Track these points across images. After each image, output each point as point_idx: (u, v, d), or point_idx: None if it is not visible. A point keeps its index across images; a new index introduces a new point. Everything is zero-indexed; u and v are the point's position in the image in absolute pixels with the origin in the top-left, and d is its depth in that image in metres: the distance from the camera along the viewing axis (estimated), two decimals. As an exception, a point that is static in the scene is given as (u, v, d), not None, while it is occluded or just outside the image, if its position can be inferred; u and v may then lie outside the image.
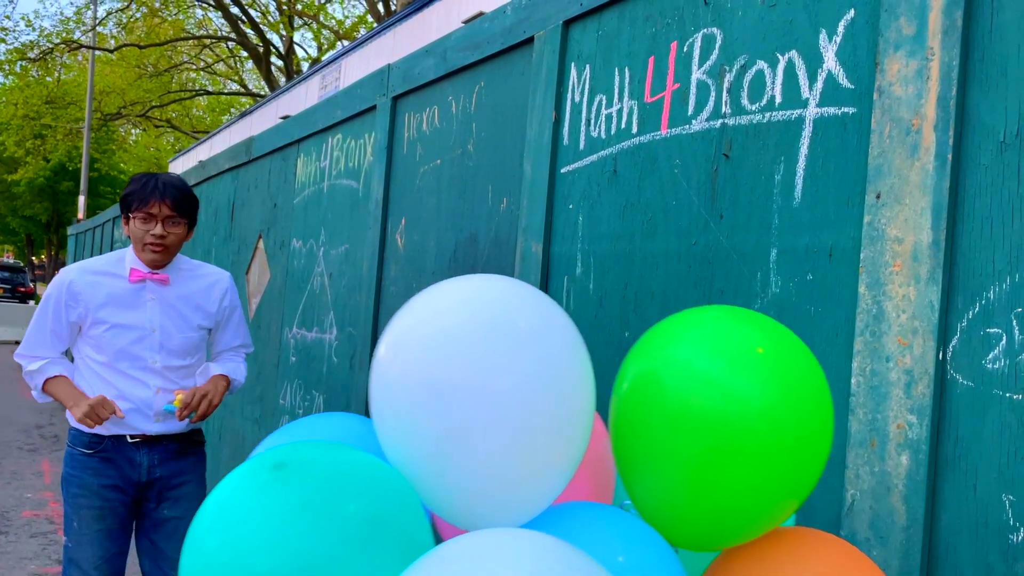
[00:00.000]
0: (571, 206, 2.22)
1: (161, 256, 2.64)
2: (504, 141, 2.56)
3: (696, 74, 1.84)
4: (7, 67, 23.94)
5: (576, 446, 1.21)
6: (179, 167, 21.05)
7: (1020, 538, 1.21)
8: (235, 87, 30.09)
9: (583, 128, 2.20)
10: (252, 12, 22.90)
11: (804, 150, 1.58)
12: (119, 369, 2.62)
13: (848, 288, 1.48)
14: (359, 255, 3.48)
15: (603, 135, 2.12)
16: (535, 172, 2.34)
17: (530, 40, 2.43)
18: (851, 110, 1.50)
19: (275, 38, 24.24)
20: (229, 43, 26.20)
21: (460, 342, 1.14)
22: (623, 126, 2.05)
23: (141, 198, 2.58)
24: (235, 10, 22.11)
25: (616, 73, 2.09)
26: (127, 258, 2.68)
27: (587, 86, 2.20)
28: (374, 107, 3.42)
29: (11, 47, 22.62)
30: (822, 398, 1.19)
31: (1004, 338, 1.25)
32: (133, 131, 33.48)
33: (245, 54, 25.87)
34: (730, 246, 1.73)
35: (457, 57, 2.82)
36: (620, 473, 1.25)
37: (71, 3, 27.19)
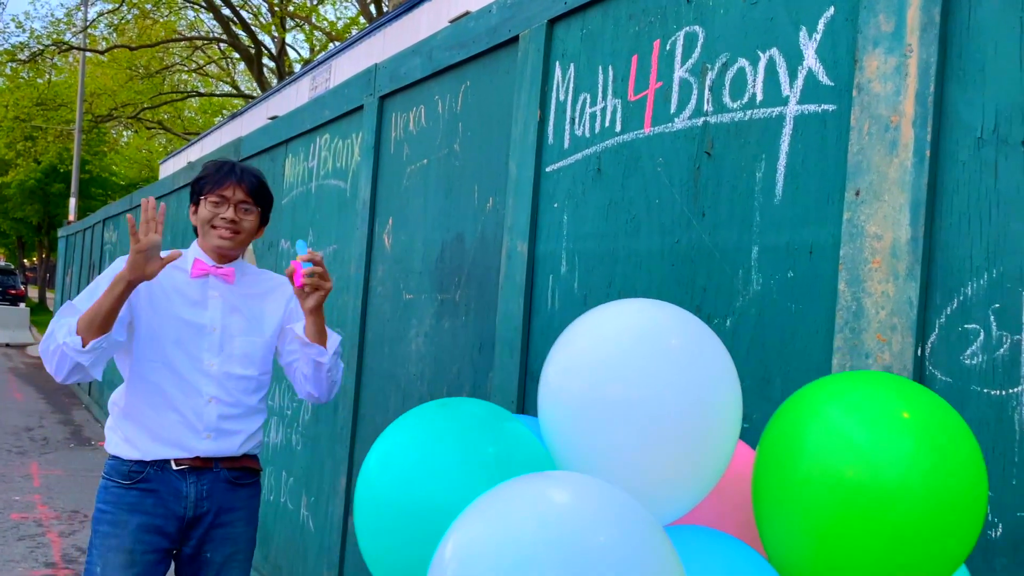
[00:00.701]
0: (556, 205, 2.21)
1: (230, 242, 2.36)
2: (490, 140, 2.55)
3: (679, 72, 1.85)
4: (-2, 69, 23.86)
5: (717, 461, 1.24)
6: (169, 168, 20.98)
7: (999, 533, 1.21)
8: (227, 89, 30.03)
9: (567, 127, 2.19)
10: (243, 13, 22.87)
11: (785, 147, 1.59)
12: (172, 367, 2.29)
13: (829, 285, 1.48)
14: (347, 256, 3.47)
15: (587, 134, 2.12)
16: (520, 171, 2.34)
17: (515, 39, 2.43)
18: (831, 107, 1.51)
19: (267, 40, 24.20)
20: (221, 45, 26.15)
21: (619, 362, 1.24)
22: (607, 124, 2.05)
23: (216, 180, 2.36)
24: (226, 12, 22.07)
25: (600, 71, 2.09)
26: (190, 252, 2.42)
27: (571, 85, 2.19)
28: (361, 107, 3.41)
29: (1, 48, 22.53)
30: (974, 471, 1.08)
31: (982, 334, 1.25)
32: (124, 133, 33.38)
33: (237, 55, 25.82)
34: (712, 244, 1.73)
35: (443, 56, 2.81)
36: (759, 530, 1.22)
37: (61, 5, 27.03)
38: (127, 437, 2.31)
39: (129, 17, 23.80)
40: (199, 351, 2.33)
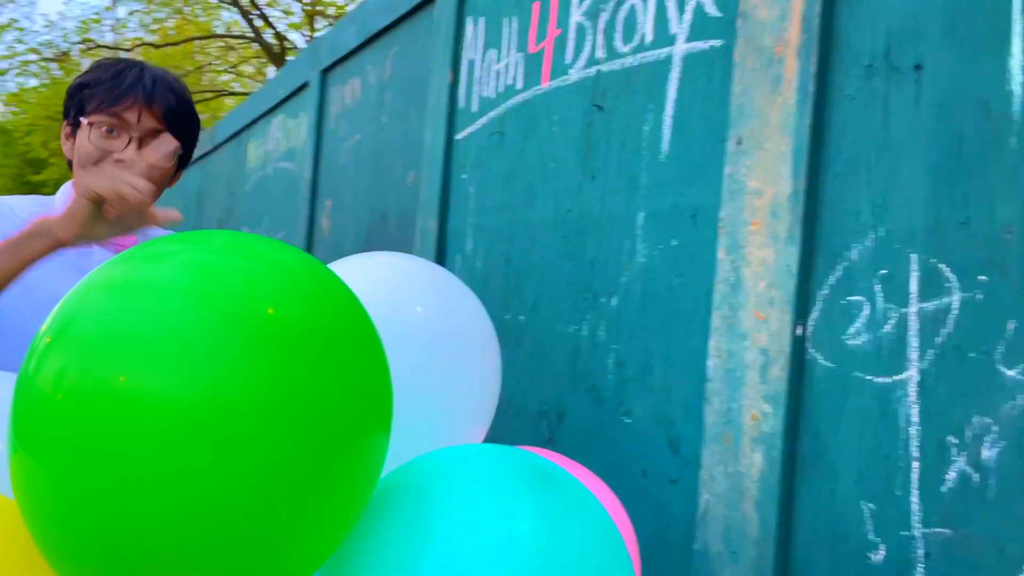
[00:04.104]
0: (464, 176, 1.99)
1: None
2: (411, 110, 2.34)
3: (575, 16, 1.61)
4: (32, 68, 24.17)
5: None
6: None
7: (880, 557, 0.97)
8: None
9: (476, 88, 1.97)
10: (269, 11, 22.89)
11: (672, 95, 1.35)
12: None
13: (711, 254, 1.24)
14: (294, 240, 3.28)
15: (492, 94, 1.89)
16: (433, 140, 2.12)
17: (434, -3, 2.21)
18: (718, 43, 1.26)
19: (298, 39, 24.22)
20: (255, 45, 26.22)
21: None
22: (510, 82, 1.82)
23: (110, 92, 1.38)
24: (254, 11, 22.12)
25: (504, 24, 1.86)
26: (57, 202, 1.45)
27: (481, 41, 1.97)
28: (307, 84, 3.22)
29: (28, 47, 22.77)
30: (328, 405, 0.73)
31: (866, 307, 1.01)
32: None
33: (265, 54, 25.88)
34: (601, 211, 1.49)
35: (374, 21, 2.61)
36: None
37: (92, 6, 27.25)
38: None
39: (162, 15, 23.96)
40: None
